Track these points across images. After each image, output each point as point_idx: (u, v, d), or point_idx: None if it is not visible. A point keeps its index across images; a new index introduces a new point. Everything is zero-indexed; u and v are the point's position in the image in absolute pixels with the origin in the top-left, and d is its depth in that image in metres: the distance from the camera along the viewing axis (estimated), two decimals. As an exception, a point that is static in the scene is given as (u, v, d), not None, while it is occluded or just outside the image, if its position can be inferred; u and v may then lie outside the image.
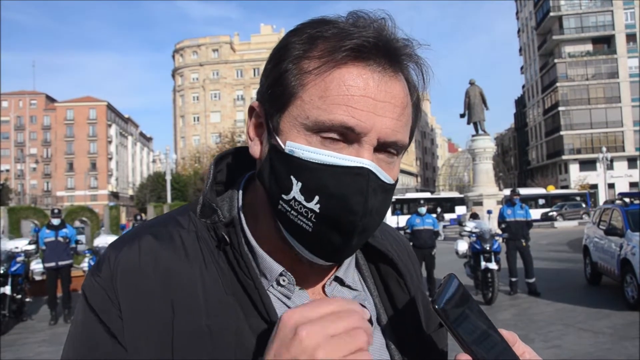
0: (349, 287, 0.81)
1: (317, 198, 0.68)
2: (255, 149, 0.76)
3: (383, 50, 0.69)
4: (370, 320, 0.77)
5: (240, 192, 0.82)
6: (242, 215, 0.78)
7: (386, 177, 0.70)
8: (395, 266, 0.85)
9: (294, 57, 0.70)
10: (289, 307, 0.73)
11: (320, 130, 0.67)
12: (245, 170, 0.87)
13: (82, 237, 14.40)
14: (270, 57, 0.74)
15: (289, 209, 0.70)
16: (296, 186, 0.69)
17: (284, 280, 0.75)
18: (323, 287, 0.79)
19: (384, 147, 0.70)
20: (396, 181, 0.73)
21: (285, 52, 0.71)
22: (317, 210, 0.68)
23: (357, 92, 0.67)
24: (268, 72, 0.73)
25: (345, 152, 0.68)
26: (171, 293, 0.70)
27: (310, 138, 0.68)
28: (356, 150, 0.68)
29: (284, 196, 0.70)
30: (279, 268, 0.75)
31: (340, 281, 0.80)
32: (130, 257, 0.73)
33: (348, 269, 0.82)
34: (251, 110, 0.77)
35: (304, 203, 0.68)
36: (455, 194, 47.13)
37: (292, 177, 0.69)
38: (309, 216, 0.68)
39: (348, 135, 0.68)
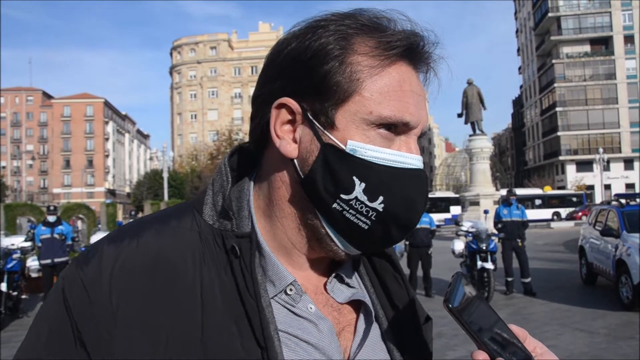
0: (347, 284, 0.80)
1: (381, 198, 0.69)
2: (289, 148, 0.72)
3: (420, 47, 0.74)
4: (369, 317, 0.78)
5: (251, 195, 0.77)
6: (256, 225, 0.74)
7: None
8: (392, 261, 0.85)
9: (339, 54, 0.70)
10: (294, 313, 0.72)
11: (381, 125, 0.69)
12: (243, 168, 0.83)
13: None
14: (312, 54, 0.70)
15: (347, 208, 0.69)
16: (359, 187, 0.69)
17: (290, 290, 0.73)
18: (325, 285, 0.79)
19: (418, 137, 0.76)
20: None
21: (327, 49, 0.70)
22: (380, 210, 0.69)
23: (408, 88, 0.71)
24: (310, 68, 0.70)
25: (396, 144, 0.71)
26: (170, 297, 0.67)
27: (368, 132, 0.69)
28: (405, 142, 0.72)
29: (343, 196, 0.69)
30: (290, 278, 0.72)
31: (340, 278, 0.80)
32: (129, 255, 0.69)
33: (349, 267, 0.82)
34: (281, 106, 0.72)
35: (367, 203, 0.69)
36: (450, 194, 47.20)
37: (354, 177, 0.69)
38: (370, 215, 0.69)
39: (399, 128, 0.71)
